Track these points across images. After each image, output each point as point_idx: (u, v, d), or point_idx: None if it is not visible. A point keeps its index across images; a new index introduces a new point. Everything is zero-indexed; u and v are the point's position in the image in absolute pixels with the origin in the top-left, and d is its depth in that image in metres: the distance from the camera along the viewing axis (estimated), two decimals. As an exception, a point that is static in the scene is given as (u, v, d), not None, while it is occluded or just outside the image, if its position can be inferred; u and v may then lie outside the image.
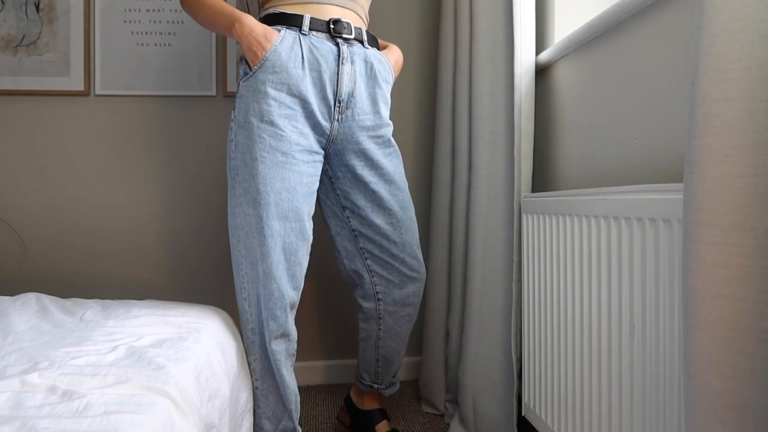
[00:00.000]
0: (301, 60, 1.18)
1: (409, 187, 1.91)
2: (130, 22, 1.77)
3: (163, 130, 1.81)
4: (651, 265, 0.77)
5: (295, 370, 1.89)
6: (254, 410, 1.23)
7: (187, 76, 1.79)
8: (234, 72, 1.79)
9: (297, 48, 1.18)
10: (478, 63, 1.40)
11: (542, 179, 1.42)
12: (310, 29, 1.19)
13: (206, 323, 1.14)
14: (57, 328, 1.07)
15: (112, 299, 1.49)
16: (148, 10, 1.77)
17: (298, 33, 1.19)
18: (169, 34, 1.77)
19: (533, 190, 1.46)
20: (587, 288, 0.96)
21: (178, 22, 1.77)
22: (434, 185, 1.67)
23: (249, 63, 1.18)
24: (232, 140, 1.19)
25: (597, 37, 1.14)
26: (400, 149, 1.90)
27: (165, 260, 1.82)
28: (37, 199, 1.77)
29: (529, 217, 1.24)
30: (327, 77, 1.20)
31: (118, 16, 1.76)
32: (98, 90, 1.77)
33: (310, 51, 1.19)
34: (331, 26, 1.22)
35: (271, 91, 1.16)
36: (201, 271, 1.83)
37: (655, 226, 0.76)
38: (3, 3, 1.73)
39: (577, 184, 1.23)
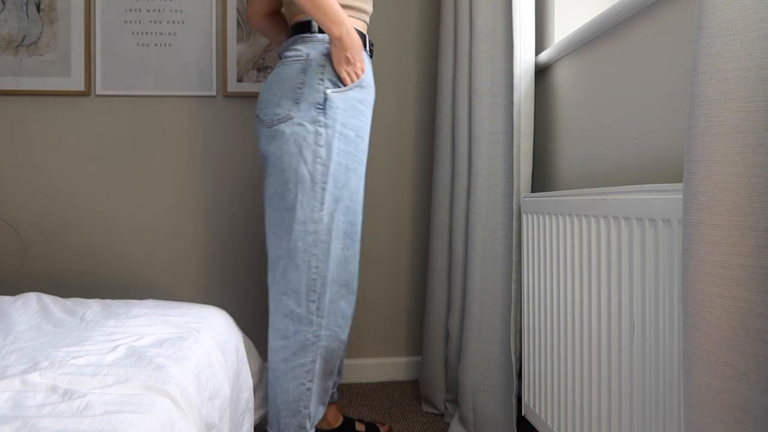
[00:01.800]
0: (373, 83, 1.27)
1: (409, 187, 1.92)
2: (130, 22, 1.77)
3: (163, 130, 1.81)
4: (651, 265, 0.78)
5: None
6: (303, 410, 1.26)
7: (187, 76, 1.79)
8: (234, 72, 1.79)
9: (369, 76, 1.25)
10: (478, 63, 1.40)
11: (542, 179, 1.42)
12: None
13: (206, 323, 1.15)
14: (57, 328, 1.07)
15: (112, 299, 1.49)
16: (148, 10, 1.77)
17: (366, 53, 1.25)
18: (169, 34, 1.78)
19: (533, 190, 1.46)
20: (587, 288, 0.97)
21: (178, 22, 1.78)
22: (434, 185, 1.67)
23: (343, 75, 1.18)
24: (321, 146, 1.17)
25: (597, 37, 1.14)
26: (400, 149, 1.91)
27: (165, 260, 1.82)
28: (37, 199, 1.77)
29: (529, 217, 1.24)
30: (372, 108, 1.30)
31: (118, 16, 1.76)
32: (98, 90, 1.77)
33: (372, 74, 1.27)
34: (371, 48, 1.30)
35: (364, 110, 1.23)
36: (201, 271, 1.83)
37: (655, 226, 0.76)
38: (3, 3, 1.73)
39: (577, 184, 1.23)
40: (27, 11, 1.73)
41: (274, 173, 1.20)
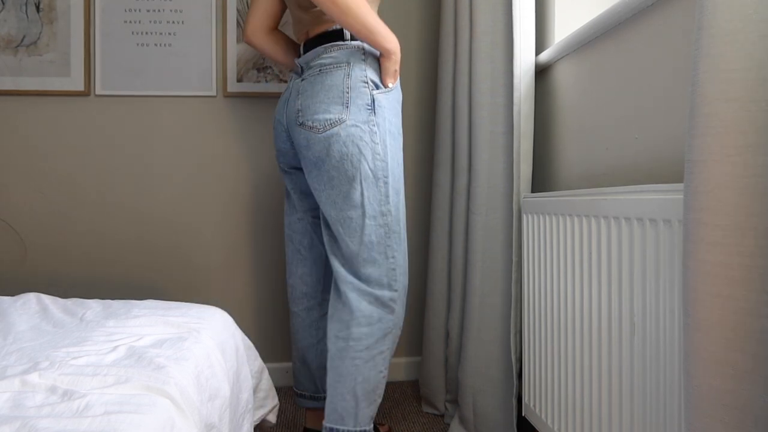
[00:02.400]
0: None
1: (408, 187, 1.92)
2: (130, 22, 1.77)
3: (163, 130, 1.81)
4: (651, 265, 0.77)
5: (287, 371, 1.89)
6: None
7: (187, 76, 1.79)
8: (234, 72, 1.79)
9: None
10: (478, 63, 1.40)
11: (542, 179, 1.42)
12: None
13: (206, 323, 1.14)
14: (57, 328, 1.07)
15: (112, 299, 1.49)
16: (148, 10, 1.77)
17: None
18: (169, 34, 1.78)
19: (533, 190, 1.46)
20: (587, 288, 0.96)
21: (178, 22, 1.78)
22: (434, 185, 1.67)
23: (384, 79, 1.25)
24: (377, 143, 1.22)
25: (597, 37, 1.14)
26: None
27: (165, 260, 1.82)
28: (37, 199, 1.77)
29: (529, 217, 1.24)
30: None
31: (118, 16, 1.76)
32: (98, 90, 1.77)
33: None
34: None
35: (399, 108, 1.30)
36: (201, 270, 1.83)
37: (655, 226, 0.76)
38: (3, 3, 1.73)
39: (577, 184, 1.23)
40: (26, 11, 1.73)
41: (335, 176, 1.23)
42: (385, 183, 1.24)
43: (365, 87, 1.22)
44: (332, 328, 1.25)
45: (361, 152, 1.21)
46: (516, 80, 1.31)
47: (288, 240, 1.45)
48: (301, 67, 1.30)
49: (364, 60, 1.24)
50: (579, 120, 1.23)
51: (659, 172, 0.94)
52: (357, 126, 1.21)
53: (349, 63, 1.23)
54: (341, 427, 1.20)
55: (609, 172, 1.10)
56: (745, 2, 0.52)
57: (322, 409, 1.43)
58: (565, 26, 1.36)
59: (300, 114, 1.25)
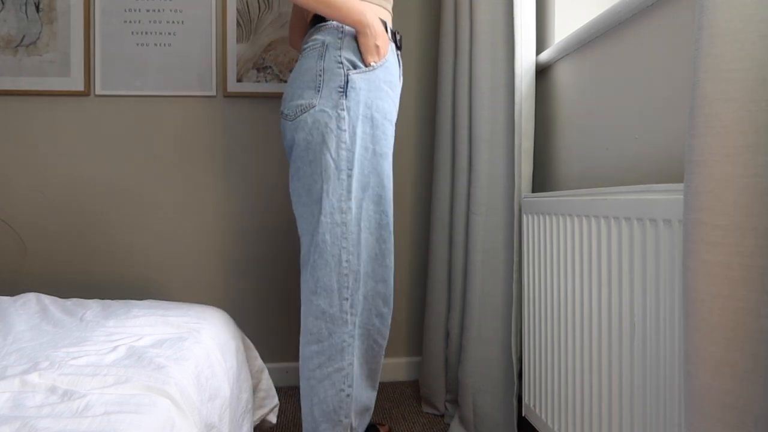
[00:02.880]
0: (398, 68, 1.24)
1: (409, 187, 1.92)
2: (130, 22, 1.77)
3: (163, 130, 1.81)
4: (651, 265, 0.77)
5: (287, 370, 1.89)
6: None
7: (187, 76, 1.79)
8: (234, 72, 1.79)
9: (393, 56, 1.22)
10: (478, 63, 1.40)
11: (542, 179, 1.42)
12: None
13: (206, 323, 1.14)
14: (57, 328, 1.07)
15: (112, 299, 1.49)
16: (148, 10, 1.77)
17: (390, 39, 1.20)
18: (169, 34, 1.78)
19: (533, 190, 1.46)
20: (587, 288, 0.96)
21: (178, 22, 1.77)
22: (434, 185, 1.67)
23: (365, 57, 1.13)
24: (343, 130, 1.10)
25: (597, 37, 1.14)
26: (401, 149, 1.90)
27: (165, 260, 1.82)
28: (37, 199, 1.77)
29: (530, 217, 1.24)
30: (397, 92, 1.25)
31: (118, 16, 1.76)
32: (98, 90, 1.77)
33: (397, 63, 1.24)
34: (398, 38, 1.26)
35: (388, 90, 1.17)
36: (201, 271, 1.83)
37: (655, 226, 0.76)
38: (3, 3, 1.73)
39: (577, 184, 1.23)
40: (26, 11, 1.73)
41: (301, 167, 1.13)
42: (349, 176, 1.11)
43: (339, 68, 1.12)
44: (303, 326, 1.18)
45: (324, 140, 1.10)
46: (516, 80, 1.31)
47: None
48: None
49: (340, 38, 1.13)
50: (579, 120, 1.23)
51: (659, 172, 0.94)
52: (324, 111, 1.10)
53: (323, 44, 1.14)
54: None
55: (609, 172, 1.10)
56: (745, 2, 0.52)
57: None
58: (565, 26, 1.36)
59: (283, 103, 1.18)
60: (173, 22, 1.77)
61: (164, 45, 1.77)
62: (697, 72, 0.55)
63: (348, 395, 1.14)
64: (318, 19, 1.18)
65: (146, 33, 1.77)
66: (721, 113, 0.53)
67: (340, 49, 1.13)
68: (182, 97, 1.80)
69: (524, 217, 1.27)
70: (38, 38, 1.74)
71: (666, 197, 0.74)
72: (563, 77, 1.30)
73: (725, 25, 0.53)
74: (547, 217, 1.14)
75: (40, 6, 1.74)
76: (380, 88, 1.15)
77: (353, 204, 1.12)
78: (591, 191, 0.97)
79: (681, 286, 0.71)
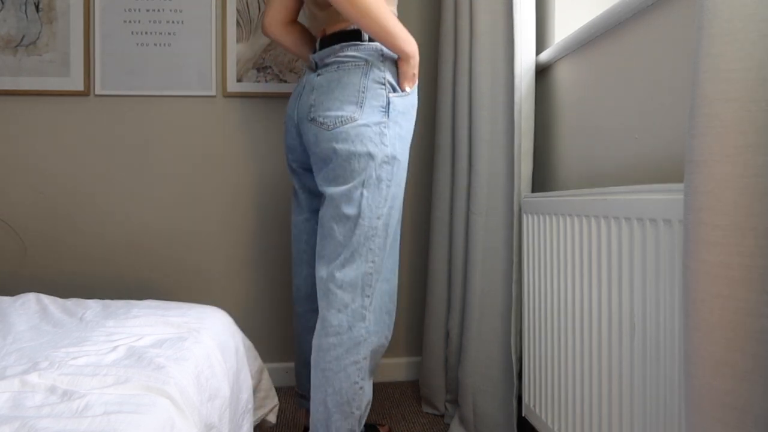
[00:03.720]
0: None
1: (409, 187, 1.91)
2: (130, 22, 1.77)
3: (162, 130, 1.81)
4: (651, 265, 0.77)
5: (287, 371, 1.89)
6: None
7: (187, 76, 1.79)
8: (234, 72, 1.79)
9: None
10: (478, 63, 1.40)
11: (542, 179, 1.42)
12: None
13: (206, 323, 1.14)
14: (57, 328, 1.07)
15: (112, 299, 1.49)
16: (148, 10, 1.77)
17: None
18: (169, 34, 1.77)
19: (533, 190, 1.46)
20: (587, 288, 0.96)
21: (178, 22, 1.77)
22: (434, 185, 1.67)
23: (402, 83, 1.24)
24: (386, 146, 1.21)
25: (597, 37, 1.14)
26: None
27: (165, 260, 1.82)
28: (37, 199, 1.77)
29: (529, 217, 1.24)
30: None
31: (118, 16, 1.76)
32: (98, 90, 1.77)
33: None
34: None
35: (413, 113, 1.28)
36: (201, 271, 1.83)
37: (655, 226, 0.76)
38: (3, 3, 1.73)
39: (577, 184, 1.23)
40: (26, 11, 1.73)
41: (341, 174, 1.21)
42: (387, 186, 1.22)
43: (382, 88, 1.21)
44: (314, 335, 1.23)
45: (369, 153, 1.20)
46: (516, 80, 1.31)
47: (294, 240, 1.42)
48: (316, 63, 1.28)
49: (382, 61, 1.22)
50: (579, 120, 1.22)
51: (659, 172, 0.94)
52: (368, 126, 1.19)
53: (367, 62, 1.22)
54: None
55: (609, 172, 1.10)
56: (745, 2, 0.52)
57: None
58: (565, 26, 1.36)
59: (312, 109, 1.23)
60: (173, 22, 1.77)
61: (164, 45, 1.77)
62: (697, 72, 0.55)
63: (361, 388, 1.19)
64: (351, 37, 1.23)
65: (146, 33, 1.77)
66: (721, 113, 0.53)
67: (383, 72, 1.22)
68: (182, 97, 1.80)
69: (524, 217, 1.27)
70: (38, 38, 1.74)
71: (666, 197, 0.74)
72: (563, 77, 1.30)
73: (725, 25, 0.53)
74: (547, 217, 1.14)
75: (40, 6, 1.74)
76: (409, 111, 1.26)
77: (385, 212, 1.23)
78: (591, 191, 0.97)
79: (681, 286, 0.71)
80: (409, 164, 1.91)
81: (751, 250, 0.51)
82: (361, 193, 1.20)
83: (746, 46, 0.51)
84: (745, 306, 0.51)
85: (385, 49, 1.22)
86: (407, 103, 1.25)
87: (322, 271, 1.23)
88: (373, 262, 1.21)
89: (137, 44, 1.77)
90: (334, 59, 1.23)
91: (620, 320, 0.86)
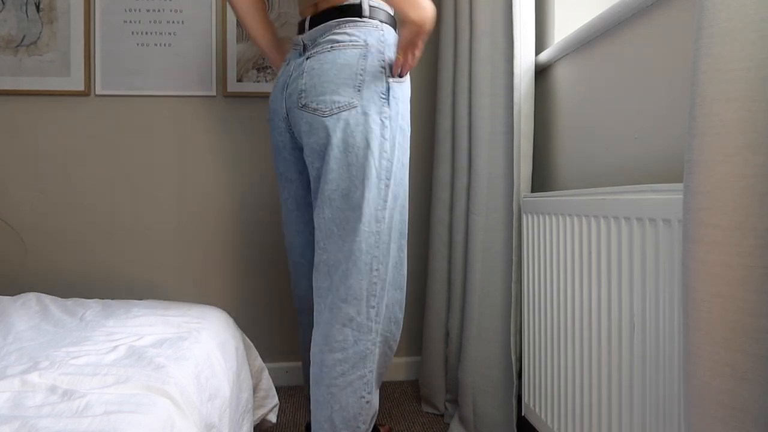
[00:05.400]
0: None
1: (409, 187, 1.91)
2: (130, 22, 1.77)
3: (163, 130, 1.81)
4: (651, 265, 0.78)
5: (287, 370, 1.89)
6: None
7: (187, 76, 1.79)
8: (234, 72, 1.79)
9: None
10: (478, 63, 1.40)
11: (542, 179, 1.42)
12: None
13: (206, 323, 1.14)
14: (57, 328, 1.07)
15: (112, 299, 1.49)
16: (148, 10, 1.77)
17: None
18: (169, 34, 1.78)
19: (533, 190, 1.46)
20: (587, 288, 0.96)
21: (178, 22, 1.77)
22: (434, 185, 1.67)
23: (409, 60, 1.09)
24: (386, 139, 1.08)
25: (597, 37, 1.14)
26: (400, 149, 1.90)
27: (165, 260, 1.82)
28: (37, 199, 1.77)
29: (529, 217, 1.24)
30: None
31: (118, 16, 1.76)
32: (98, 90, 1.77)
33: None
34: None
35: (408, 103, 1.15)
36: (201, 271, 1.83)
37: (655, 226, 0.76)
38: (3, 3, 1.73)
39: (577, 184, 1.23)
40: (26, 11, 1.73)
41: (335, 169, 1.07)
42: (387, 185, 1.10)
43: (381, 72, 1.08)
44: (311, 349, 1.14)
45: (368, 146, 1.06)
46: (516, 80, 1.31)
47: (289, 250, 1.32)
48: (304, 45, 1.15)
49: (382, 42, 1.09)
50: (579, 120, 1.23)
51: (659, 172, 0.94)
52: (368, 115, 1.06)
53: (366, 43, 1.08)
54: None
55: (609, 172, 1.10)
56: (745, 2, 0.52)
57: None
58: (565, 26, 1.36)
59: (303, 95, 1.10)
60: (173, 22, 1.77)
61: (164, 45, 1.77)
62: (696, 72, 0.55)
63: (368, 402, 1.12)
64: (351, 12, 1.10)
65: (146, 33, 1.77)
66: (721, 113, 0.53)
67: (382, 53, 1.09)
68: (182, 97, 1.80)
69: (524, 217, 1.27)
70: (38, 38, 1.74)
71: (666, 197, 0.74)
72: (563, 77, 1.30)
73: (725, 25, 0.53)
74: (547, 217, 1.14)
75: (41, 6, 1.74)
76: (407, 100, 1.15)
77: (386, 214, 1.10)
78: (590, 191, 0.97)
79: (681, 286, 0.71)
80: (410, 163, 1.91)
81: (751, 250, 0.51)
82: (362, 193, 1.08)
83: (746, 46, 0.51)
84: (745, 306, 0.51)
85: (385, 31, 1.10)
86: (405, 89, 1.13)
87: (322, 282, 1.12)
88: (377, 270, 1.10)
89: (137, 44, 1.77)
90: (327, 37, 1.10)
91: (620, 320, 0.86)
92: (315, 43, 1.12)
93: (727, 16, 0.53)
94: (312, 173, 1.14)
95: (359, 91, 1.07)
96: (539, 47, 1.42)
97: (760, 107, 0.51)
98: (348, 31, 1.09)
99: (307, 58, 1.12)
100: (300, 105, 1.11)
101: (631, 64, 1.02)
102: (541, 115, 1.43)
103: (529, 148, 1.33)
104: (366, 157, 1.07)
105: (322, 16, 1.12)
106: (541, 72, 1.42)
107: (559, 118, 1.33)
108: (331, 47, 1.09)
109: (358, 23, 1.09)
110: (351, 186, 1.08)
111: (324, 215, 1.11)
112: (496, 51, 1.38)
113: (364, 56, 1.08)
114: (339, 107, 1.07)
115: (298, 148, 1.22)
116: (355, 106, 1.06)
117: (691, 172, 0.56)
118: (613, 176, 1.08)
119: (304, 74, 1.11)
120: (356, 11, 1.10)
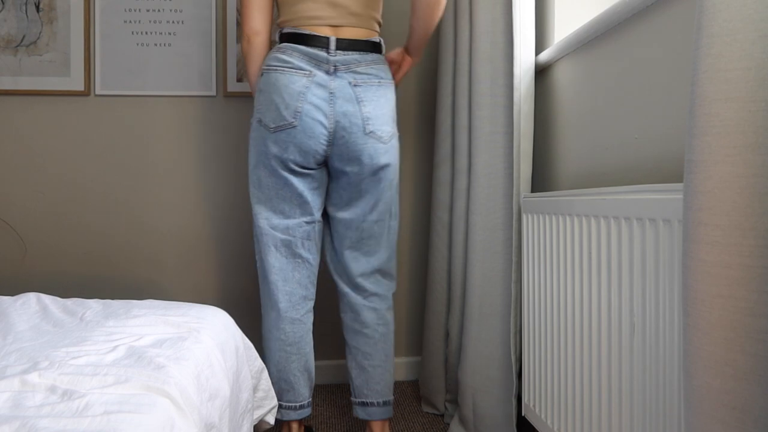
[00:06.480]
0: None
1: (409, 187, 1.91)
2: (130, 22, 1.77)
3: (163, 130, 1.81)
4: (651, 265, 0.78)
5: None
6: None
7: (187, 76, 1.79)
8: (234, 72, 1.79)
9: None
10: (478, 63, 1.40)
11: (542, 179, 1.42)
12: None
13: (206, 323, 1.14)
14: (57, 328, 1.07)
15: (112, 299, 1.49)
16: (148, 10, 1.77)
17: None
18: (169, 34, 1.78)
19: (533, 190, 1.46)
20: (587, 288, 0.96)
21: (178, 22, 1.78)
22: (434, 185, 1.67)
23: (399, 81, 1.49)
24: (395, 146, 1.36)
25: (597, 37, 1.14)
26: (400, 149, 1.90)
27: (165, 260, 1.82)
28: (37, 199, 1.77)
29: (529, 217, 1.24)
30: None
31: (118, 16, 1.76)
32: (98, 90, 1.77)
33: None
34: None
35: None
36: (201, 271, 1.83)
37: (655, 226, 0.76)
38: (3, 3, 1.73)
39: (577, 184, 1.23)
40: (26, 11, 1.73)
41: (390, 187, 1.35)
42: (397, 191, 1.41)
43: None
44: (370, 318, 1.36)
45: (397, 163, 1.37)
46: (516, 80, 1.31)
47: (283, 245, 1.32)
48: (335, 66, 1.22)
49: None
50: (579, 120, 1.23)
51: (659, 172, 0.94)
52: (396, 139, 1.36)
53: (391, 81, 1.34)
54: (390, 398, 1.39)
55: (609, 172, 1.10)
56: (744, 2, 0.52)
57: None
58: (565, 26, 1.36)
59: (370, 122, 1.27)
60: (173, 22, 1.77)
61: (164, 45, 1.77)
62: (696, 72, 0.55)
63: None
64: (375, 48, 1.31)
65: (146, 33, 1.77)
66: (721, 113, 0.53)
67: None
68: (182, 97, 1.80)
69: (524, 217, 1.27)
70: (38, 38, 1.74)
71: (666, 197, 0.74)
72: (563, 77, 1.30)
73: (725, 25, 0.53)
74: (547, 217, 1.14)
75: (40, 6, 1.74)
76: None
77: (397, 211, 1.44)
78: (590, 191, 0.97)
79: (681, 286, 0.71)
80: (406, 162, 1.91)
81: (751, 250, 0.51)
82: (392, 197, 1.37)
83: (746, 46, 0.51)
84: (745, 306, 0.51)
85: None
86: None
87: (369, 266, 1.37)
88: (395, 254, 1.45)
89: (137, 44, 1.77)
90: (370, 71, 1.27)
91: (620, 320, 0.86)
92: (349, 69, 1.25)
93: (727, 16, 0.53)
94: (363, 186, 1.33)
95: (395, 122, 1.35)
96: (539, 47, 1.42)
97: (760, 107, 0.51)
98: (383, 68, 1.31)
99: (355, 86, 1.25)
100: (367, 131, 1.28)
101: (631, 64, 1.02)
102: (541, 115, 1.43)
103: (529, 148, 1.33)
104: (396, 171, 1.37)
105: (355, 44, 1.26)
106: (541, 72, 1.42)
107: (559, 118, 1.33)
108: (379, 82, 1.29)
109: (383, 61, 1.32)
110: (391, 193, 1.37)
111: (368, 218, 1.35)
112: (496, 51, 1.38)
113: (394, 92, 1.35)
114: (390, 136, 1.31)
115: (324, 155, 1.30)
116: (395, 135, 1.34)
117: (691, 172, 0.56)
118: (613, 176, 1.08)
119: (360, 102, 1.26)
120: (379, 49, 1.32)
